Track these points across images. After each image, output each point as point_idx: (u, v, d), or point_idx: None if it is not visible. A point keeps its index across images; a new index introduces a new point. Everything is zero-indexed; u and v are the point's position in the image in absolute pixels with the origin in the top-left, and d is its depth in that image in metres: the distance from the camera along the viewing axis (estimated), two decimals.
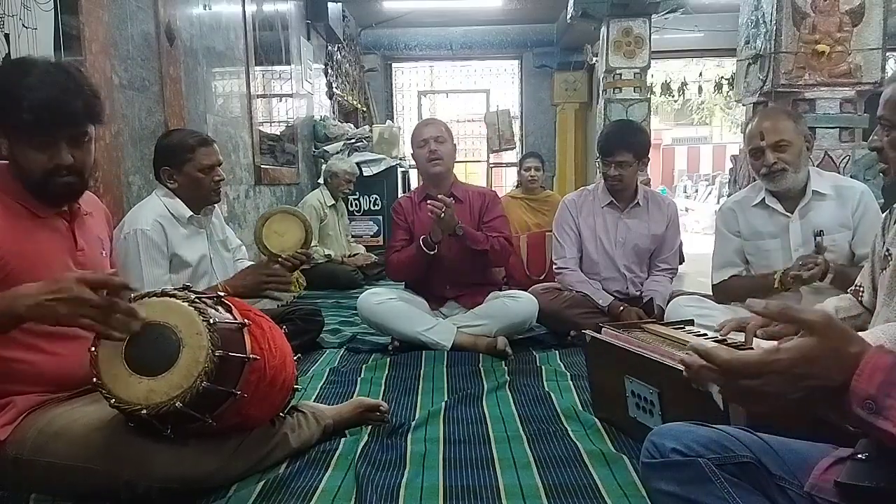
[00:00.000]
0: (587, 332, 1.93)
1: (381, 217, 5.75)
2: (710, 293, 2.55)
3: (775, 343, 1.51)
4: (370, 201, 5.76)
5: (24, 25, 2.00)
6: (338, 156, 5.37)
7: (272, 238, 2.36)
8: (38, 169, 1.42)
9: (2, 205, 1.43)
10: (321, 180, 5.12)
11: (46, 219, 1.50)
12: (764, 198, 2.32)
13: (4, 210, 1.43)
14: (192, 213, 2.34)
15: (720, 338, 1.70)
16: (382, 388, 2.31)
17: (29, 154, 1.41)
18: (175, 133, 2.45)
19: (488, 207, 2.90)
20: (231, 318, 1.47)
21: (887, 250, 1.47)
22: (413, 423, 1.89)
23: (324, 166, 5.25)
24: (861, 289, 1.63)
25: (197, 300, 1.41)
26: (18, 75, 1.39)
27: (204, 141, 2.34)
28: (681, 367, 1.42)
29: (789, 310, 0.83)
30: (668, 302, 2.68)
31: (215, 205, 2.46)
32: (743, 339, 1.61)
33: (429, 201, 2.64)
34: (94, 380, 1.34)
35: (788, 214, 2.29)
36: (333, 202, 4.97)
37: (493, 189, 4.15)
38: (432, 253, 2.73)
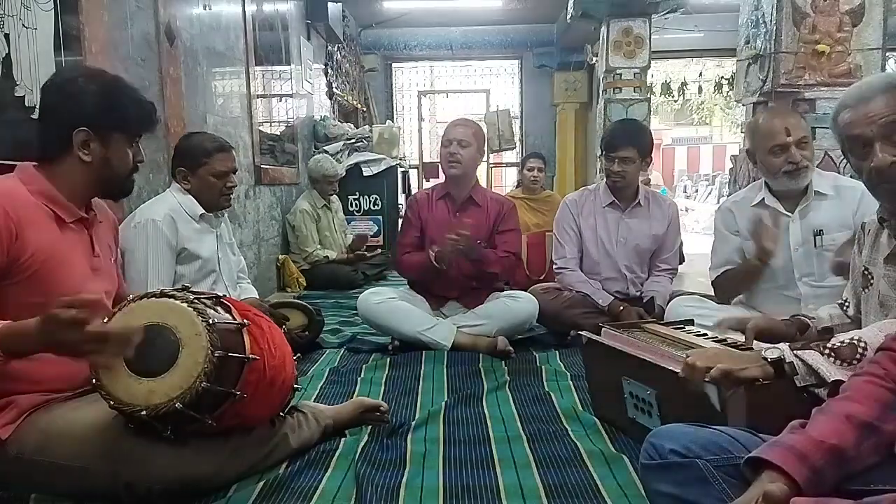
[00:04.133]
0: (583, 333, 1.93)
1: (381, 217, 5.75)
2: (710, 293, 2.55)
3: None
4: (370, 201, 5.75)
5: (24, 25, 2.00)
6: (316, 157, 5.14)
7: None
8: (128, 166, 1.60)
9: (35, 208, 1.46)
10: (304, 181, 5.08)
11: (71, 224, 1.53)
12: (764, 198, 2.31)
13: (37, 213, 1.46)
14: (203, 211, 2.39)
15: (720, 338, 1.71)
16: (382, 388, 2.31)
17: (124, 153, 1.57)
18: (196, 136, 2.50)
19: (504, 218, 2.90)
20: (230, 318, 1.47)
21: (865, 268, 1.46)
22: (413, 423, 1.90)
23: (306, 171, 5.18)
24: (847, 304, 1.62)
25: (196, 300, 1.41)
26: (113, 82, 1.57)
27: (222, 147, 2.40)
28: (676, 369, 1.43)
29: None
30: (668, 302, 2.68)
31: (225, 210, 2.51)
32: (742, 339, 1.61)
33: (449, 235, 2.66)
34: (94, 381, 1.34)
35: (788, 214, 2.28)
36: (325, 202, 4.95)
37: (495, 189, 4.15)
38: (441, 267, 2.77)
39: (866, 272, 1.45)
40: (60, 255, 1.48)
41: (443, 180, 3.05)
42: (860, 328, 1.53)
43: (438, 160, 2.99)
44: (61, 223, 1.51)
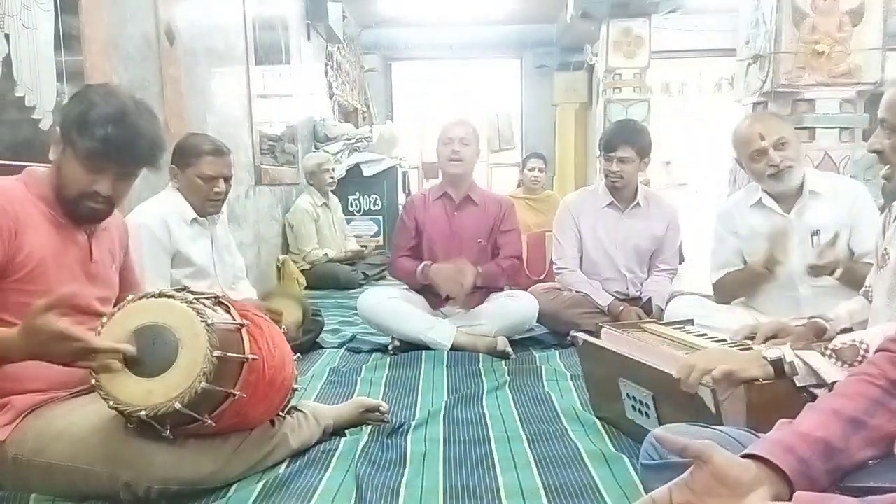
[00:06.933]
0: (578, 335, 1.92)
1: (381, 217, 5.75)
2: (710, 293, 2.55)
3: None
4: (370, 201, 5.76)
5: (24, 25, 2.00)
6: (309, 155, 5.19)
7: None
8: (76, 187, 1.47)
9: (32, 208, 1.46)
10: (303, 181, 5.08)
11: (69, 228, 1.52)
12: (760, 198, 2.31)
13: (34, 213, 1.46)
14: (195, 216, 2.35)
15: (719, 338, 1.71)
16: (382, 388, 2.31)
17: (75, 171, 1.45)
18: (197, 136, 2.45)
19: (505, 217, 2.90)
20: (229, 318, 1.47)
21: (885, 250, 1.47)
22: (413, 423, 1.89)
23: (301, 169, 5.19)
24: (870, 290, 1.62)
25: (195, 301, 1.41)
26: (99, 101, 1.44)
27: (216, 150, 2.33)
28: (671, 372, 1.43)
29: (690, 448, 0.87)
30: (668, 302, 2.68)
31: (217, 214, 2.45)
32: (742, 341, 1.61)
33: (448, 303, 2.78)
34: (93, 381, 1.34)
35: (785, 214, 2.28)
36: (324, 200, 4.94)
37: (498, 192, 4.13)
38: (424, 282, 2.81)
39: (885, 253, 1.46)
40: (55, 257, 1.47)
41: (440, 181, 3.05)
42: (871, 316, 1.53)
43: (437, 159, 2.98)
44: (60, 226, 1.50)
